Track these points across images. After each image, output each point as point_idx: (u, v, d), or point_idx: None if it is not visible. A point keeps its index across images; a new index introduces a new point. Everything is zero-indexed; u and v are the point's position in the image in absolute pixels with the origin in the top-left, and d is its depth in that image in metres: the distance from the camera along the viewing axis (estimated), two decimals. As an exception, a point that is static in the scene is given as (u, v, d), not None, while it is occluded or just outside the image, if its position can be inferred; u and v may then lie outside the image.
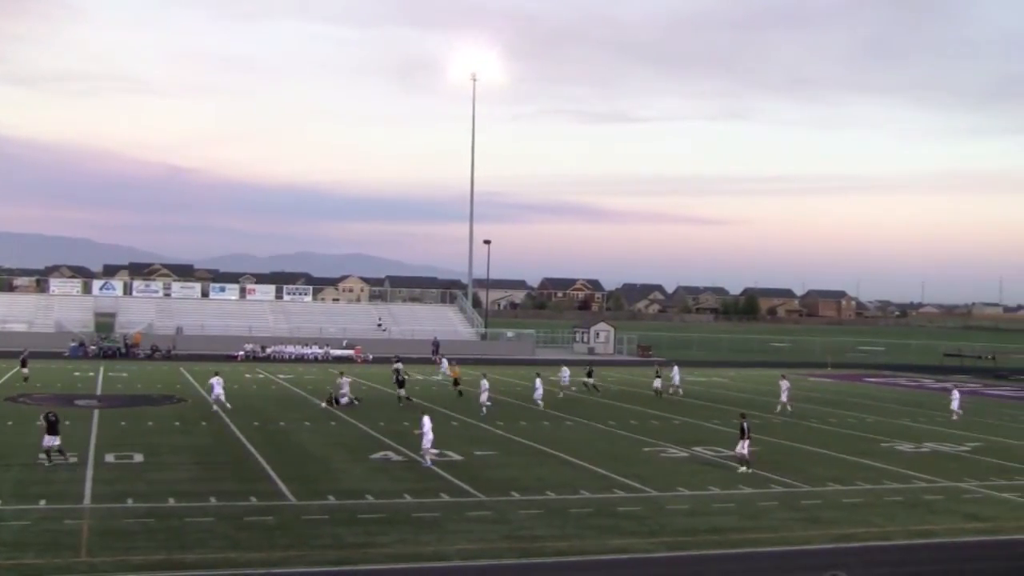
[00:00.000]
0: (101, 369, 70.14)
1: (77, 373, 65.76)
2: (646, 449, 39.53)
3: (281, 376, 67.86)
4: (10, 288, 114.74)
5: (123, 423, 42.99)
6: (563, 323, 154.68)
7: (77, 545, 22.81)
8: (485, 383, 51.23)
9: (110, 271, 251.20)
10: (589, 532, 25.32)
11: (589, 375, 63.47)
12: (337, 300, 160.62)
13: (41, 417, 34.86)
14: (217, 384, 48.87)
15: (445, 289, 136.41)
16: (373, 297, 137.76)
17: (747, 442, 34.68)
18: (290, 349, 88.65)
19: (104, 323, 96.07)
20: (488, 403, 50.24)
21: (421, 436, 34.38)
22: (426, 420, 34.65)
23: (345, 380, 52.68)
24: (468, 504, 28.18)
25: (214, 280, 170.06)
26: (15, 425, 41.62)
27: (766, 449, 39.67)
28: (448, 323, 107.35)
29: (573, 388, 61.09)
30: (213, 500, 27.68)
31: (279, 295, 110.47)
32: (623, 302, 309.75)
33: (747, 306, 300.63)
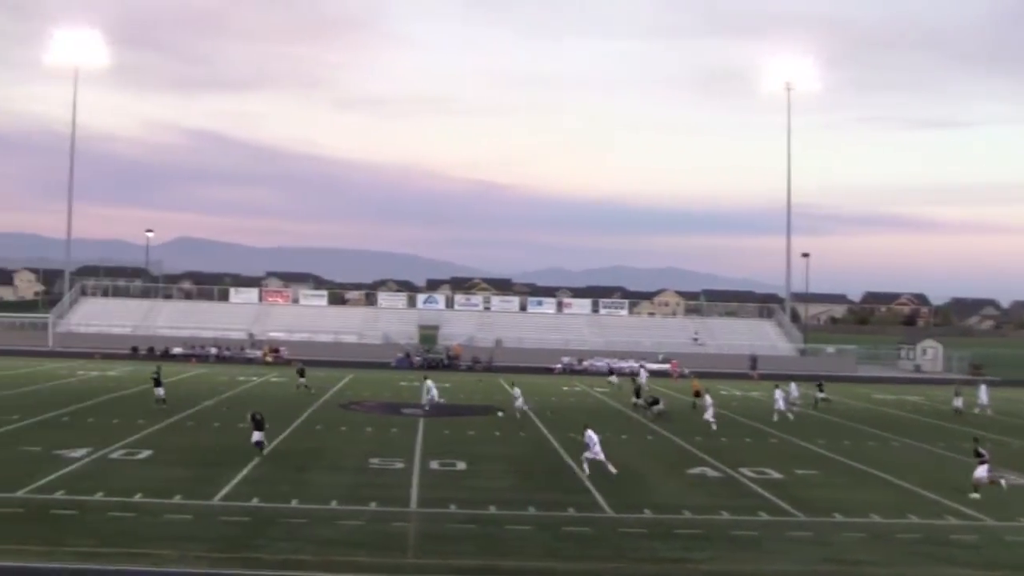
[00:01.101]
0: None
1: (403, 383, 68.31)
2: (976, 473, 37.63)
3: (598, 389, 68.47)
4: (342, 301, 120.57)
5: (446, 431, 44.39)
6: (887, 339, 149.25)
7: (404, 546, 23.74)
8: (709, 399, 50.44)
9: (433, 285, 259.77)
10: (917, 559, 24.32)
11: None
12: (653, 314, 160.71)
13: (248, 416, 37.56)
14: (431, 387, 52.65)
15: (762, 303, 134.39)
16: (689, 311, 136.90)
17: (986, 466, 32.69)
18: (606, 362, 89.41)
19: (428, 335, 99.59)
20: (713, 420, 48.69)
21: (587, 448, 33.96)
22: (590, 434, 34.29)
23: (517, 391, 51.94)
24: (787, 524, 27.61)
25: (531, 294, 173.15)
26: (348, 431, 43.66)
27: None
28: (766, 338, 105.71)
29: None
30: (532, 509, 28.19)
31: (595, 309, 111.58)
32: (952, 317, 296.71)
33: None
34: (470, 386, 67.81)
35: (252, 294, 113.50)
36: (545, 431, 45.40)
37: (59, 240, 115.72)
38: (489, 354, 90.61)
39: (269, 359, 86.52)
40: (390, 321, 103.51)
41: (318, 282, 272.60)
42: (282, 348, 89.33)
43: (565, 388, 68.48)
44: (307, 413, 49.36)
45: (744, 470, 36.01)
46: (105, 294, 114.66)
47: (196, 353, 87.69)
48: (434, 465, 35.15)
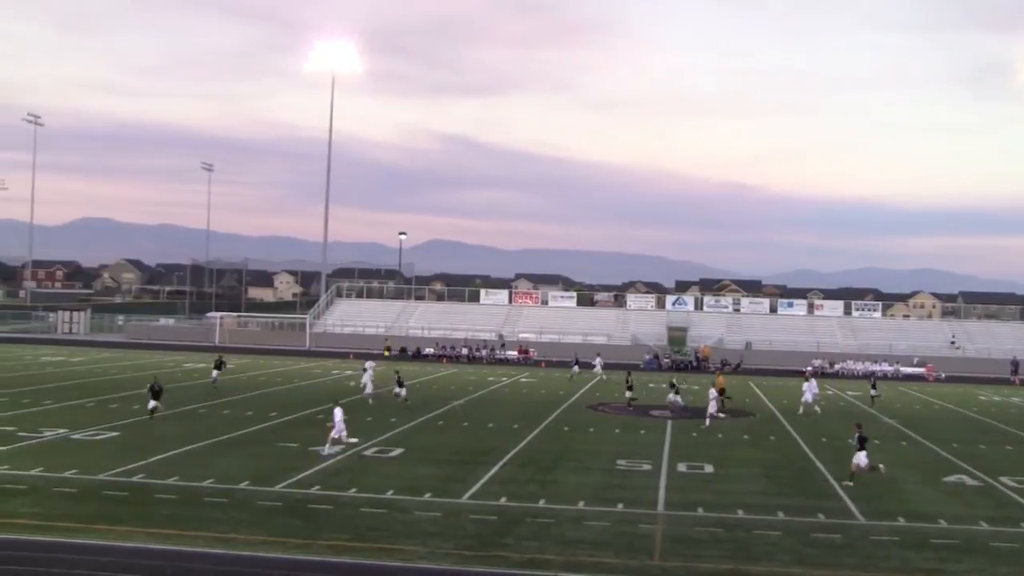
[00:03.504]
0: (674, 381, 72.18)
1: (652, 384, 67.99)
2: None
3: (849, 393, 66.80)
4: (591, 303, 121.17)
5: (694, 434, 44.05)
6: None
7: (651, 548, 23.68)
8: (713, 392, 50.10)
9: (682, 287, 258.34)
10: None
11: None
12: (907, 316, 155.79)
13: (147, 388, 44.51)
14: (370, 370, 54.87)
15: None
16: (945, 313, 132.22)
17: (865, 453, 32.46)
18: (859, 366, 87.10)
19: (677, 337, 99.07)
20: (715, 414, 48.11)
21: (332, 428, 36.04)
22: (337, 412, 36.47)
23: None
24: (1052, 536, 26.30)
25: (782, 296, 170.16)
26: (596, 432, 43.85)
27: None
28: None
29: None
30: (780, 514, 27.73)
31: (847, 311, 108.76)
32: None
33: None
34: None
35: (502, 295, 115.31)
36: (795, 435, 44.55)
37: (316, 243, 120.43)
38: (739, 356, 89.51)
39: (387, 353, 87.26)
40: (639, 322, 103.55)
41: (567, 284, 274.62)
42: (532, 349, 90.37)
43: (881, 395, 66.87)
44: (556, 413, 49.80)
45: (1004, 479, 34.49)
46: (359, 295, 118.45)
47: (447, 353, 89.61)
48: (682, 468, 34.96)
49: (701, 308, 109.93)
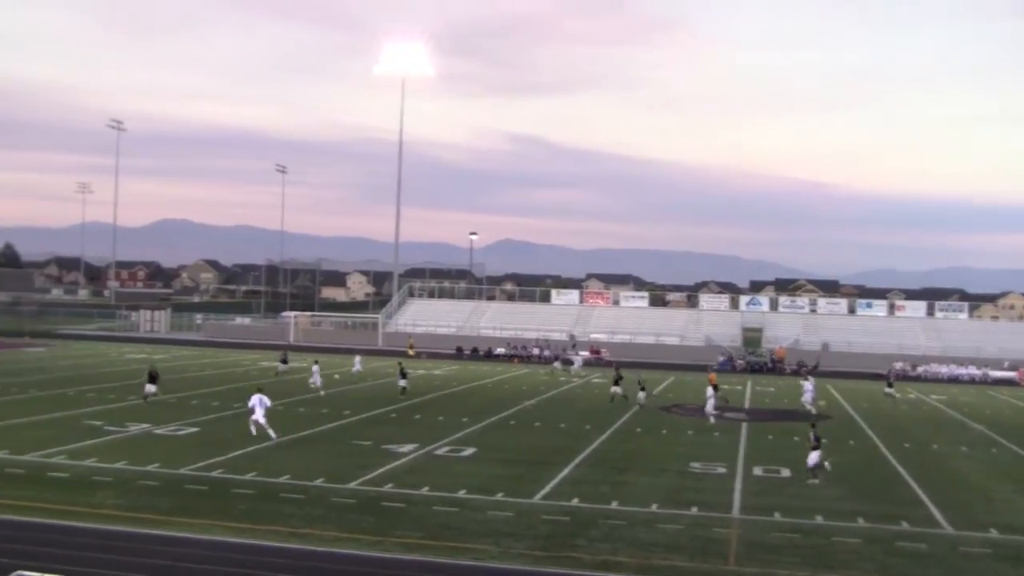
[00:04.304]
0: (748, 383, 71.42)
1: (725, 386, 67.25)
2: None
3: (933, 397, 65.47)
4: (663, 303, 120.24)
5: (770, 437, 43.31)
6: None
7: (725, 553, 23.14)
8: (710, 391, 50.10)
9: (756, 287, 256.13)
10: None
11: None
12: (996, 318, 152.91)
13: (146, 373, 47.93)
14: (316, 372, 54.51)
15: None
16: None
17: (818, 452, 32.42)
18: (943, 369, 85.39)
19: (751, 338, 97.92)
20: (713, 412, 48.42)
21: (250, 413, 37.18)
22: (255, 398, 37.45)
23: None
24: None
25: (860, 296, 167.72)
26: (669, 434, 43.28)
27: None
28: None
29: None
30: (861, 521, 26.95)
31: (930, 312, 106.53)
32: None
33: None
34: (795, 391, 66.15)
35: (573, 295, 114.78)
36: (876, 439, 43.61)
37: (388, 243, 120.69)
38: (815, 358, 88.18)
39: (412, 353, 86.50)
40: (712, 323, 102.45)
41: (639, 283, 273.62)
42: (603, 350, 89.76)
43: (897, 395, 65.72)
44: (628, 415, 49.23)
45: (1102, 487, 33.41)
46: (431, 295, 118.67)
47: (519, 353, 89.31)
48: (757, 471, 34.28)
49: (776, 308, 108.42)
